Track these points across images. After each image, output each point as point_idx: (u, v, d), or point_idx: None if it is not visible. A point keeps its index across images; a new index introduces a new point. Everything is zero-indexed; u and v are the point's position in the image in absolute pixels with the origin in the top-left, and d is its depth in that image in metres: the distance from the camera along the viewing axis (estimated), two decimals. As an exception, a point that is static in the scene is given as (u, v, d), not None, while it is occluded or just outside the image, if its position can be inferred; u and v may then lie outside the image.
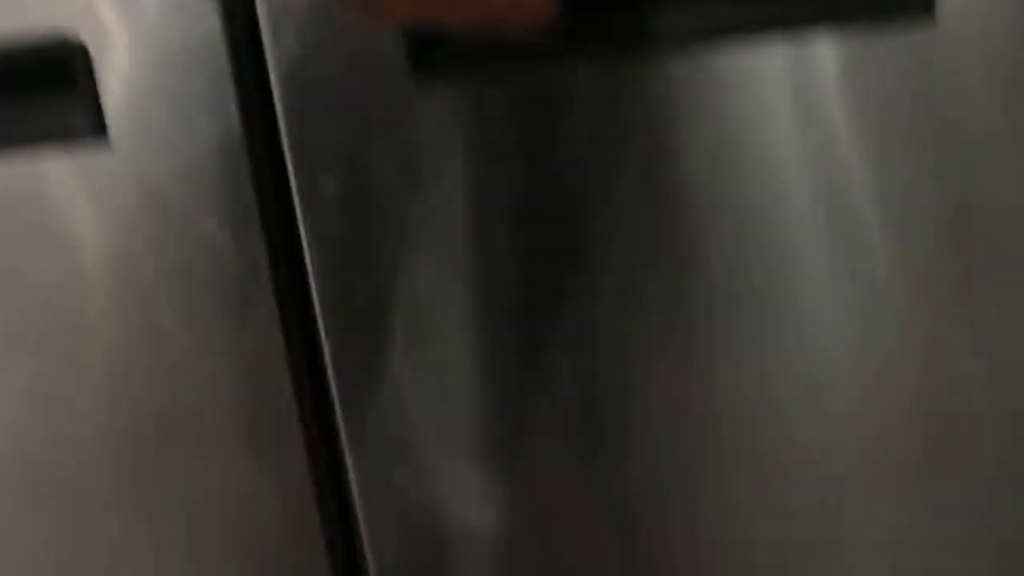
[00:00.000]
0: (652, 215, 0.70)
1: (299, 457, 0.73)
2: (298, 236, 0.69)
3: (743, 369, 0.72)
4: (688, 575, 0.75)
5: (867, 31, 0.67)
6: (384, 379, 0.72)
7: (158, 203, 0.69)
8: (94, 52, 0.66)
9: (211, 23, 0.66)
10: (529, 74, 0.68)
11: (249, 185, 0.68)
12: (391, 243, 0.70)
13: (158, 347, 0.71)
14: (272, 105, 0.68)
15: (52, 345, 0.71)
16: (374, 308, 0.71)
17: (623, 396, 0.73)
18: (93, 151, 0.68)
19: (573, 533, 0.75)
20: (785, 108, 0.69)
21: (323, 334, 0.71)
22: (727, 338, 0.72)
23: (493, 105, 0.68)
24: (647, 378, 0.72)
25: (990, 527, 0.75)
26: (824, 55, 0.68)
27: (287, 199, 0.69)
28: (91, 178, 0.69)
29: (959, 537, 0.75)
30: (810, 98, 0.69)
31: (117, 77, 0.67)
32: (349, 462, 0.73)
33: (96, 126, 0.67)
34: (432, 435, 0.73)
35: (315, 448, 0.73)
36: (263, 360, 0.71)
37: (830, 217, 0.71)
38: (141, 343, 0.71)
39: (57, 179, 0.69)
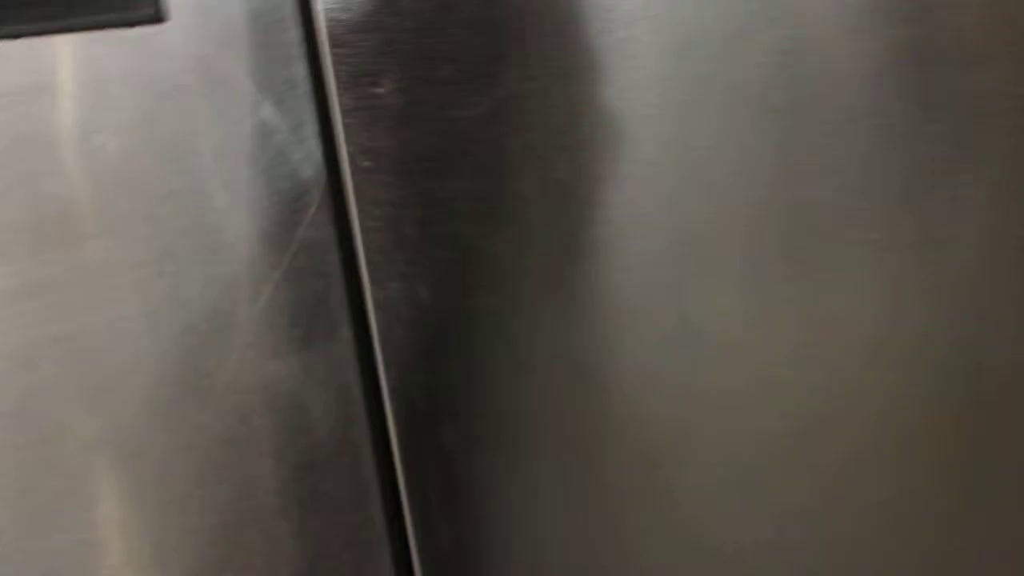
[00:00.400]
0: None
1: (347, 350, 0.74)
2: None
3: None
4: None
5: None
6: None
7: (216, 85, 0.69)
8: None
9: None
10: None
11: (304, 69, 0.68)
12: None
13: (212, 233, 0.72)
14: None
15: (106, 227, 0.72)
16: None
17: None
18: (151, 31, 0.69)
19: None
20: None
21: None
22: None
23: None
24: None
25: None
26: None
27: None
28: (149, 59, 0.69)
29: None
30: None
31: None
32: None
33: (154, 6, 0.68)
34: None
35: (362, 342, 0.73)
36: (314, 252, 0.72)
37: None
38: (195, 224, 0.72)
39: (116, 60, 0.70)
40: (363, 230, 0.73)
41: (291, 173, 0.71)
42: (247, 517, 0.76)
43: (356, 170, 0.72)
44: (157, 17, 0.68)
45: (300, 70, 0.70)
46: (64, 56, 0.69)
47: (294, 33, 0.70)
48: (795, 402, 0.78)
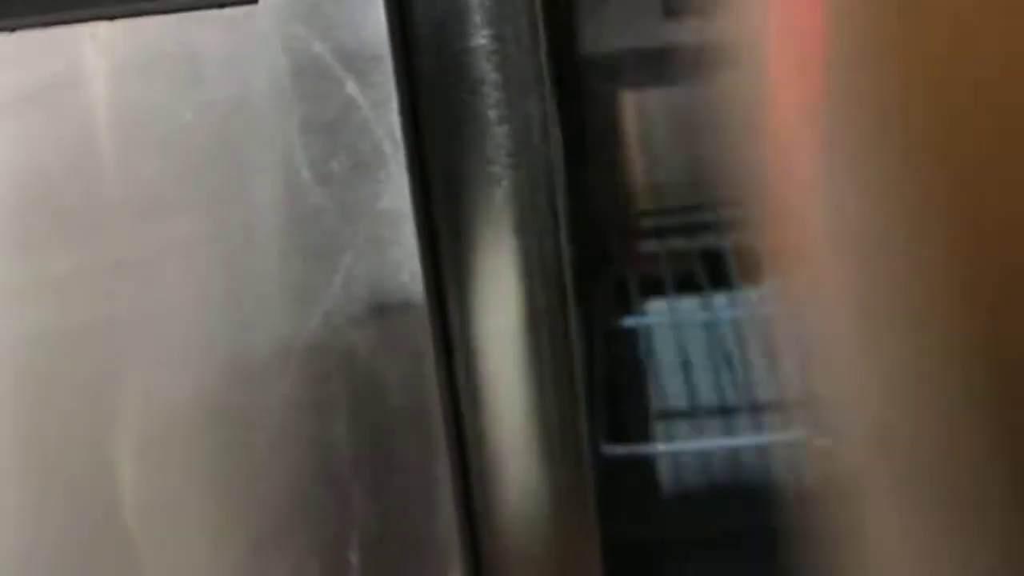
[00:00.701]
0: None
1: (420, 324, 0.76)
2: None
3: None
4: None
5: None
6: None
7: (303, 64, 0.72)
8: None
9: None
10: None
11: (387, 44, 0.71)
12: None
13: (295, 202, 0.74)
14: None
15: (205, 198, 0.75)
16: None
17: None
18: (242, 11, 0.72)
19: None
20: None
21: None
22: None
23: None
24: None
25: None
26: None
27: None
28: (240, 38, 0.72)
29: None
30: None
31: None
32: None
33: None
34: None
35: (433, 307, 0.76)
36: (391, 224, 0.75)
37: None
38: (280, 198, 0.75)
39: (208, 39, 0.72)
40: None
41: (373, 147, 0.74)
42: (322, 480, 0.79)
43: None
44: (248, -2, 0.71)
45: (384, 47, 0.72)
46: (160, 35, 0.72)
47: (380, 11, 0.72)
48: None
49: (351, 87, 0.73)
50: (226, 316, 0.76)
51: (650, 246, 1.28)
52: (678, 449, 1.05)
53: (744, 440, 0.98)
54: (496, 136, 0.76)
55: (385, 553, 0.80)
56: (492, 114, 0.76)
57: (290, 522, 0.79)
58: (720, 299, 1.21)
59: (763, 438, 0.98)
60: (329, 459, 0.78)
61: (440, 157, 0.76)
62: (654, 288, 1.23)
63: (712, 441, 0.98)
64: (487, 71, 0.75)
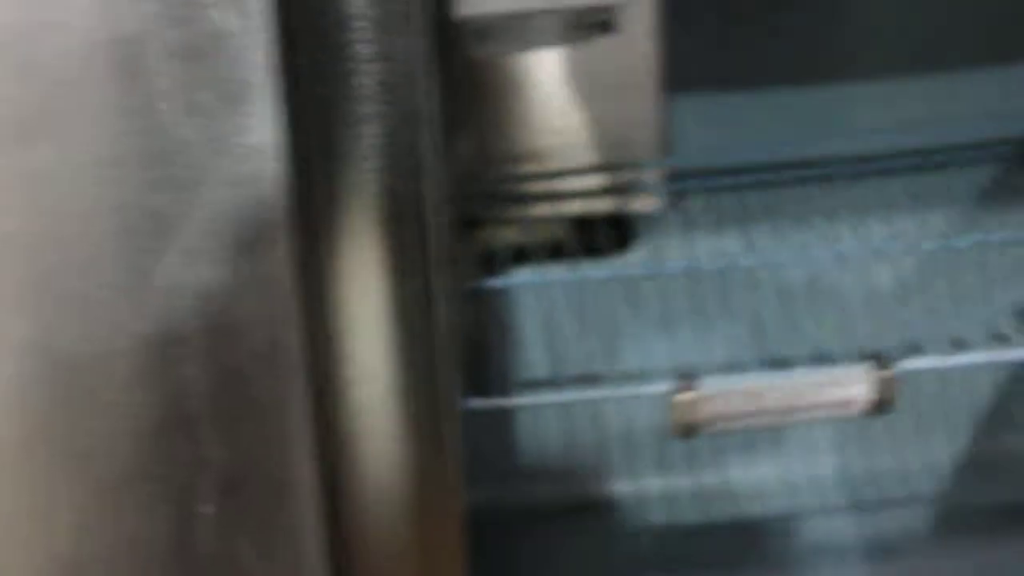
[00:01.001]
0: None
1: (283, 264, 0.74)
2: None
3: None
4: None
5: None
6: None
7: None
8: None
9: None
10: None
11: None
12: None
13: (158, 131, 0.71)
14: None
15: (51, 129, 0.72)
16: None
17: None
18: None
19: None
20: None
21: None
22: None
23: None
24: None
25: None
26: None
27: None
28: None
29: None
30: None
31: None
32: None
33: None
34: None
35: (297, 247, 0.74)
36: (260, 159, 0.72)
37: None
38: (143, 127, 0.71)
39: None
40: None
41: (242, 78, 0.71)
42: (173, 423, 0.76)
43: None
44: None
45: (256, -25, 0.70)
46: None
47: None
48: None
49: (221, 15, 0.70)
50: (76, 249, 0.73)
51: (519, 212, 1.27)
52: (538, 403, 1.05)
53: (605, 392, 0.97)
54: (368, 73, 0.74)
55: (240, 499, 0.77)
56: (364, 50, 0.74)
57: (140, 468, 0.76)
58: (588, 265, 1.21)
59: (624, 390, 0.99)
60: (181, 402, 0.75)
61: (311, 92, 0.74)
62: (526, 257, 1.22)
63: (572, 393, 0.97)
64: (361, 6, 0.73)
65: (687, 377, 0.96)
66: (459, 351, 1.02)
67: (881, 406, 0.97)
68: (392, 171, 0.75)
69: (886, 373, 0.96)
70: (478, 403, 0.95)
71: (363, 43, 0.73)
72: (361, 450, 0.80)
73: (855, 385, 0.96)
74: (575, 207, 1.28)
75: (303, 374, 0.75)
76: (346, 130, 0.74)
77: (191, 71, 0.70)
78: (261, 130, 0.71)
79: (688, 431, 0.96)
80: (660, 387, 0.97)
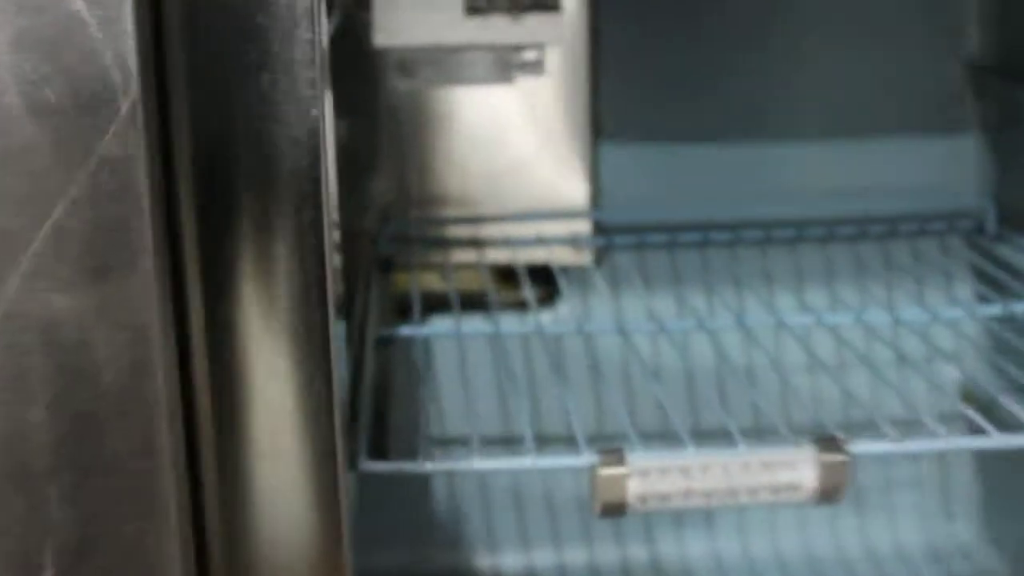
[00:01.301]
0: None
1: (144, 294, 0.64)
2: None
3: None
4: None
5: None
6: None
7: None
8: None
9: None
10: None
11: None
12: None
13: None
14: None
15: None
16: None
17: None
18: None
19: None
20: None
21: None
22: None
23: None
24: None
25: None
26: None
27: None
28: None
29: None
30: None
31: None
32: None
33: None
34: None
35: (162, 277, 0.64)
36: (118, 171, 0.62)
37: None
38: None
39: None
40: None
41: (99, 76, 0.61)
42: (12, 477, 0.66)
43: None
44: None
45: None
46: None
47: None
48: None
49: (77, 2, 0.61)
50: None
51: (436, 256, 1.19)
52: (450, 469, 0.95)
53: (524, 461, 0.88)
54: (255, 82, 0.65)
55: (88, 567, 0.67)
56: (246, 58, 0.64)
57: (-30, 529, 0.66)
58: (508, 317, 1.13)
59: (544, 462, 0.89)
60: (23, 452, 0.65)
61: (182, 98, 0.64)
62: (446, 305, 1.15)
63: (487, 462, 0.88)
64: (251, 5, 0.64)
65: (613, 451, 0.87)
66: (365, 402, 0.93)
67: (831, 494, 0.87)
68: (282, 194, 0.66)
69: (837, 457, 0.87)
70: (376, 466, 0.85)
71: (244, 51, 0.64)
72: (237, 514, 0.70)
73: (802, 468, 0.87)
74: (499, 256, 1.21)
75: (167, 421, 0.65)
76: (225, 144, 0.65)
77: (40, 63, 0.61)
78: (121, 137, 0.62)
79: (614, 510, 0.87)
80: (583, 460, 0.87)
